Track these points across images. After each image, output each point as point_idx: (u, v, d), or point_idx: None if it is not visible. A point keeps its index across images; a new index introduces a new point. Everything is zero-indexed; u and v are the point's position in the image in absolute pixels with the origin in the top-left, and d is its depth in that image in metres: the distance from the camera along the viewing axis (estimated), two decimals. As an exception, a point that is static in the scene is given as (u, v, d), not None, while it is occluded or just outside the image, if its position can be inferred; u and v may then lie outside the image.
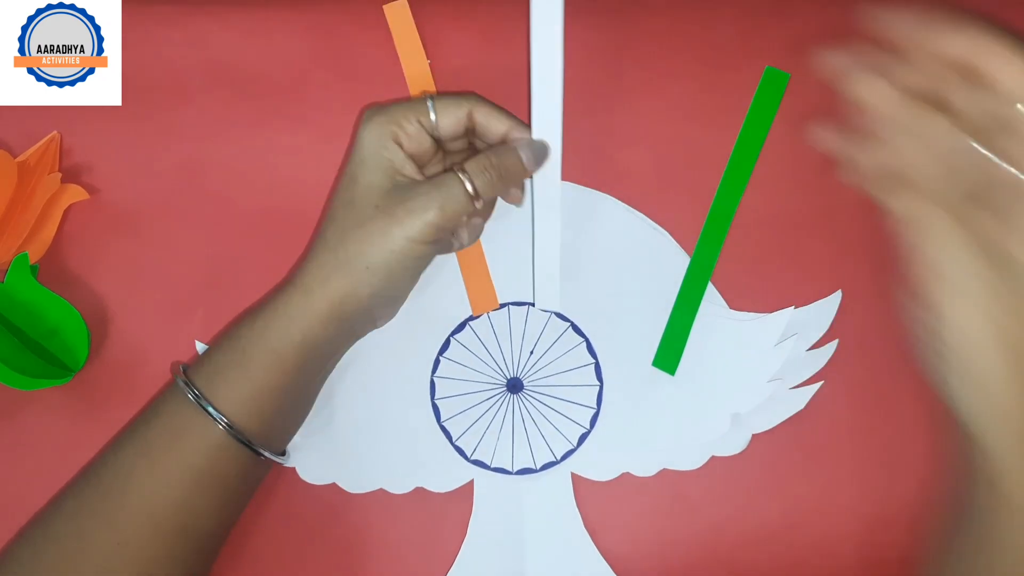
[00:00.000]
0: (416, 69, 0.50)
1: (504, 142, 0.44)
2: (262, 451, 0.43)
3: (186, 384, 0.42)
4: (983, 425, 0.35)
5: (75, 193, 0.49)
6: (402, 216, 0.41)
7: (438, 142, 0.44)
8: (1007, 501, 0.35)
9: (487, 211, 0.47)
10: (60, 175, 0.49)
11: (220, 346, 0.43)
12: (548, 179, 0.45)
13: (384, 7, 0.49)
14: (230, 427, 0.41)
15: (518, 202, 0.46)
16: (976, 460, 0.36)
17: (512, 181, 0.43)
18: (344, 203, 0.42)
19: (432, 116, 0.43)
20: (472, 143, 0.46)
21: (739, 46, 0.50)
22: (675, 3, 0.50)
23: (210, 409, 0.41)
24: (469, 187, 0.41)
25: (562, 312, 0.49)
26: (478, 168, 0.42)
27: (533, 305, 0.49)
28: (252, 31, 0.51)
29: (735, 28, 0.50)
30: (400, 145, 0.42)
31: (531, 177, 0.45)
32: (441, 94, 0.44)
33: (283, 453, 0.46)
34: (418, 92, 0.50)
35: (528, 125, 0.43)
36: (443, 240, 0.44)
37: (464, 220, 0.45)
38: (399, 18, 0.49)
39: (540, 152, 0.43)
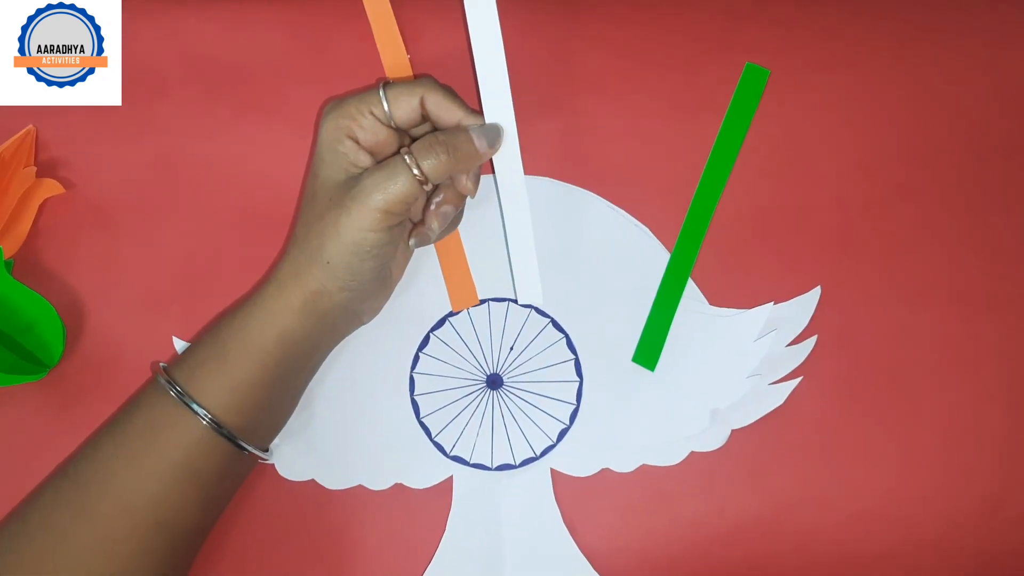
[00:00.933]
0: (395, 61, 0.49)
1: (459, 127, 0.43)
2: (244, 445, 0.42)
3: (167, 380, 0.41)
4: None
5: (50, 187, 0.49)
6: (349, 205, 0.40)
7: (398, 131, 0.44)
8: None
9: (455, 199, 0.45)
10: (35, 169, 0.48)
11: (202, 341, 0.43)
12: (510, 170, 0.45)
13: (364, 0, 0.49)
14: (212, 421, 0.41)
15: (470, 193, 0.45)
16: None
17: (464, 163, 0.42)
18: (307, 199, 0.43)
19: (385, 106, 0.43)
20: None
21: (719, 42, 0.50)
22: (655, 1, 0.50)
23: (190, 403, 0.41)
24: (415, 170, 0.41)
25: (543, 307, 0.49)
26: (425, 149, 0.41)
27: (515, 301, 0.49)
28: (229, 24, 0.50)
29: (715, 24, 0.50)
30: (355, 139, 0.42)
31: (491, 163, 0.45)
32: (394, 82, 0.44)
33: (266, 450, 0.45)
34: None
35: (481, 113, 0.44)
36: (397, 226, 0.42)
37: (417, 203, 0.44)
38: (378, 9, 0.49)
39: (492, 134, 0.43)
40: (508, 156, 0.45)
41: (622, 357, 0.49)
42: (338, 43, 0.50)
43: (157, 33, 0.50)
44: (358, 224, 0.40)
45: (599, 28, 0.50)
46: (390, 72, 0.49)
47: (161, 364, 0.43)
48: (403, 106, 0.43)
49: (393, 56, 0.49)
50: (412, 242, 0.45)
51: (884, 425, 0.48)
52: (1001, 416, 0.48)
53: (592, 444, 0.48)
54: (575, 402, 0.48)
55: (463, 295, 0.49)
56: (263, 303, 0.42)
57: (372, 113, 0.42)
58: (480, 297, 0.49)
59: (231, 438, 0.42)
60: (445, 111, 0.43)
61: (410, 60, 0.49)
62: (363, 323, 0.47)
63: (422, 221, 0.45)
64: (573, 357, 0.49)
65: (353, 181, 0.41)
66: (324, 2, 0.50)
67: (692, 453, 0.48)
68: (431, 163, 0.41)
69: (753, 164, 0.50)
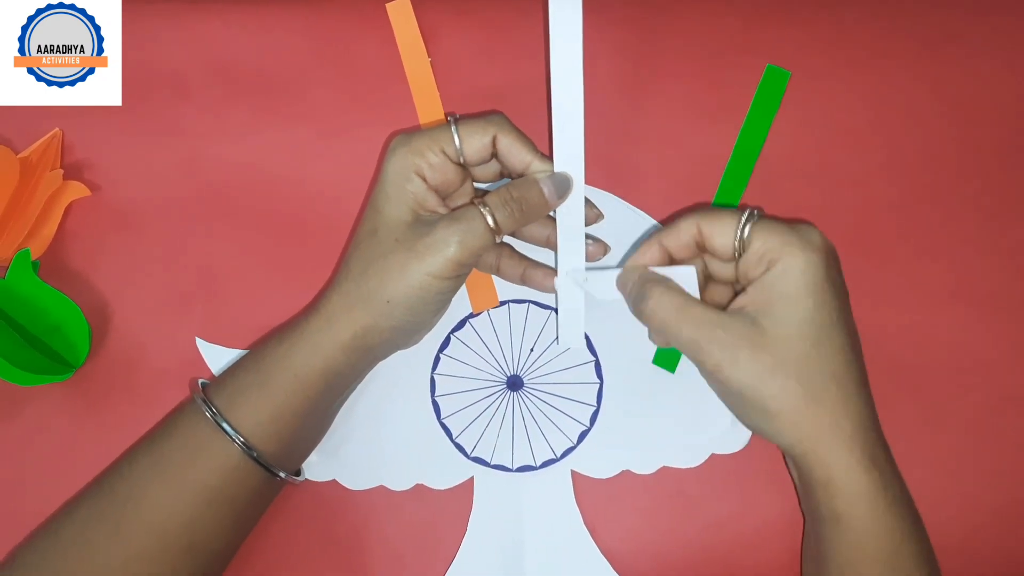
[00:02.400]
0: (417, 68, 0.50)
1: (525, 171, 0.43)
2: (278, 472, 0.42)
3: (204, 402, 0.42)
4: (787, 446, 0.39)
5: (76, 190, 0.50)
6: (422, 251, 0.40)
7: (463, 166, 0.44)
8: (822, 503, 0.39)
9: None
10: (62, 172, 0.49)
11: (243, 366, 0.43)
12: (572, 212, 0.44)
13: (387, 5, 0.49)
14: (248, 448, 0.41)
15: (542, 288, 0.46)
16: (801, 476, 0.40)
17: (534, 215, 0.42)
18: (367, 233, 0.42)
19: (456, 143, 0.42)
20: (499, 164, 0.45)
21: (740, 44, 0.50)
22: (676, 3, 0.51)
23: (228, 429, 0.41)
24: (490, 220, 0.41)
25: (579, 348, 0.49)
26: (499, 201, 0.41)
27: (535, 302, 0.49)
28: (252, 29, 0.51)
29: (736, 26, 0.50)
30: (423, 178, 0.42)
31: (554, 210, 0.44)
32: (465, 118, 0.43)
33: (297, 473, 0.46)
34: (420, 94, 0.50)
35: (550, 156, 0.43)
36: (465, 275, 0.43)
37: (484, 254, 0.45)
38: (401, 16, 0.49)
39: (562, 185, 0.43)
40: (573, 201, 0.44)
41: (642, 359, 0.49)
42: (360, 47, 0.51)
43: (181, 37, 0.51)
44: (428, 270, 0.40)
45: (619, 31, 0.51)
46: (412, 79, 0.50)
47: (200, 382, 0.44)
48: (475, 144, 0.42)
49: (416, 64, 0.50)
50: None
51: (905, 427, 0.48)
52: (1021, 418, 0.48)
53: (612, 446, 0.48)
54: (595, 404, 0.49)
55: (483, 297, 0.49)
56: (310, 336, 0.42)
57: (443, 151, 0.42)
58: (500, 299, 0.49)
59: (267, 466, 0.42)
60: (516, 153, 0.43)
61: (431, 64, 0.50)
62: (402, 349, 0.47)
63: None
64: (593, 359, 0.49)
65: (425, 227, 0.41)
66: (346, 7, 0.51)
67: (713, 455, 0.48)
68: (504, 215, 0.41)
69: (773, 165, 0.50)
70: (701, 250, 0.42)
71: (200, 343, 0.49)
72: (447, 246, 0.40)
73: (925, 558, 0.39)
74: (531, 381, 0.49)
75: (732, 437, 0.48)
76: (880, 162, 0.50)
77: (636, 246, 0.49)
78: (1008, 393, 0.48)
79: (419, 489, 0.48)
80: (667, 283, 0.40)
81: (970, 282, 0.49)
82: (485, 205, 0.41)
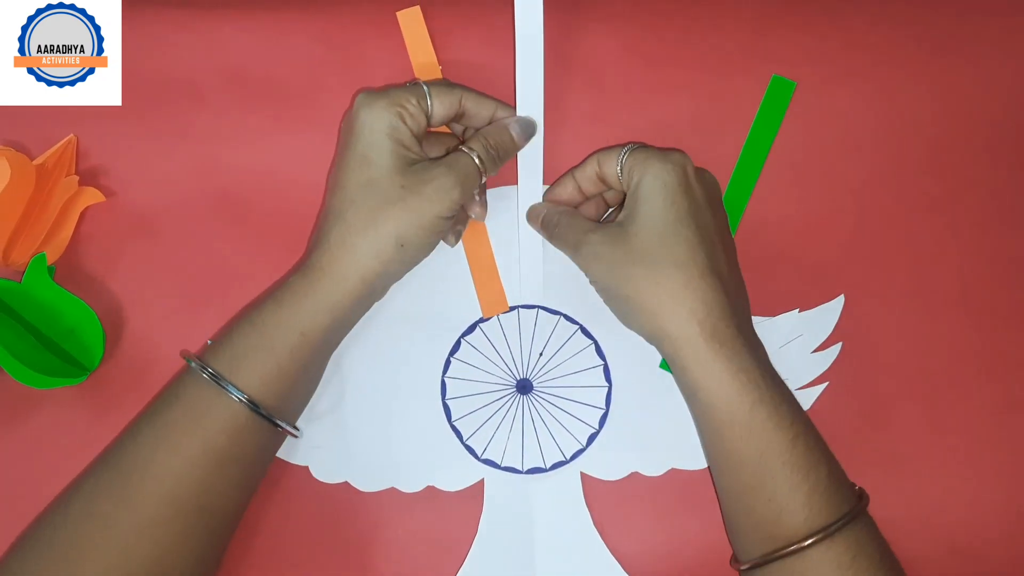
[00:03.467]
0: (428, 74, 0.50)
1: (490, 123, 0.47)
2: (281, 424, 0.44)
3: (204, 367, 0.42)
4: (645, 334, 0.44)
5: (92, 196, 0.50)
6: (431, 194, 0.43)
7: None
8: (695, 396, 0.42)
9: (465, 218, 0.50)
10: (77, 178, 0.50)
11: (241, 331, 0.43)
12: (531, 147, 0.48)
13: (397, 13, 0.50)
14: (254, 406, 0.42)
15: (480, 217, 0.50)
16: (667, 362, 0.44)
17: (508, 155, 0.47)
18: (362, 184, 0.43)
19: (428, 100, 0.45)
20: (450, 129, 0.50)
21: (746, 54, 0.51)
22: (682, 12, 0.51)
23: (233, 391, 0.42)
24: (478, 163, 0.45)
25: (568, 313, 0.50)
26: (481, 146, 0.46)
27: (542, 307, 0.50)
28: (265, 35, 0.52)
29: (742, 36, 0.51)
30: (406, 125, 0.44)
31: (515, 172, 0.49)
32: (430, 81, 0.46)
33: (295, 427, 0.46)
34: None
35: (512, 107, 0.48)
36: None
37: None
38: (412, 24, 0.50)
39: (528, 127, 0.48)
40: (532, 153, 0.49)
41: (650, 363, 0.50)
42: (371, 53, 0.51)
43: (195, 43, 0.51)
44: (437, 212, 0.44)
45: (626, 40, 0.51)
46: (423, 83, 0.50)
47: (195, 355, 0.44)
48: (444, 102, 0.46)
49: (426, 71, 0.50)
50: (452, 240, 0.50)
51: (909, 431, 0.49)
52: (1025, 422, 0.49)
53: (621, 448, 0.49)
54: (604, 407, 0.49)
55: (493, 302, 0.50)
56: (315, 293, 0.43)
57: (418, 103, 0.45)
58: (510, 304, 0.50)
59: (271, 419, 0.43)
60: (483, 106, 0.47)
61: (441, 70, 0.50)
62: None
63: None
64: (602, 363, 0.50)
65: (423, 173, 0.44)
66: (358, 14, 0.52)
67: (719, 457, 0.48)
68: (488, 157, 0.45)
69: (779, 174, 0.51)
70: (601, 181, 0.47)
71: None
72: (452, 188, 0.44)
73: (787, 423, 0.41)
74: (540, 384, 0.50)
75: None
76: (885, 170, 0.51)
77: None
78: (1011, 398, 0.49)
79: (430, 491, 0.49)
80: (571, 212, 0.48)
81: (970, 288, 0.50)
82: (472, 150, 0.45)
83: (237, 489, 0.44)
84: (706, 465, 0.48)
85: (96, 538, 0.41)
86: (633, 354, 0.49)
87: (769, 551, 0.41)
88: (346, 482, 0.49)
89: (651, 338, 0.43)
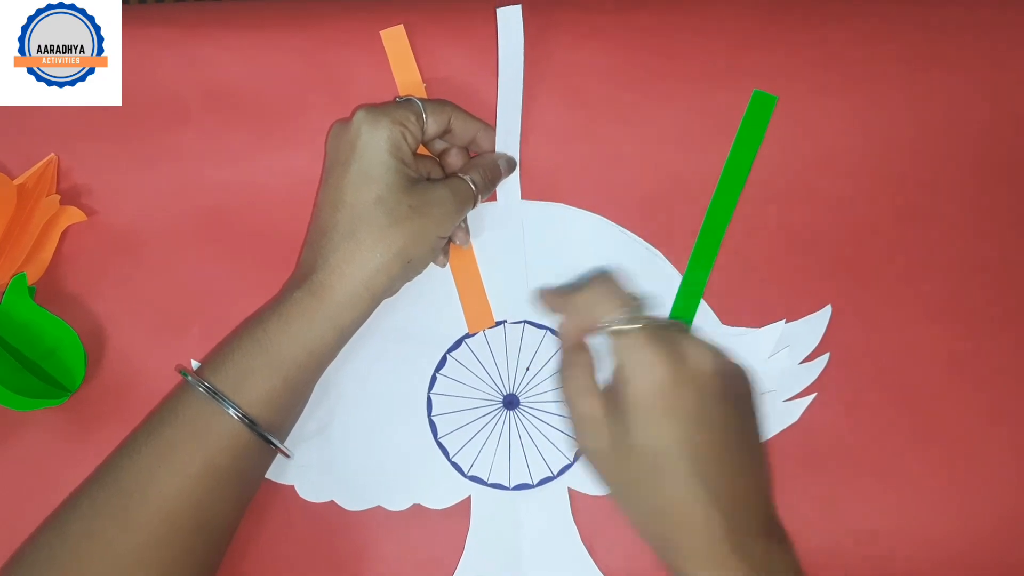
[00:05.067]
0: (412, 92, 0.50)
1: (474, 142, 0.49)
2: (276, 442, 0.43)
3: (208, 388, 0.42)
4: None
5: (73, 215, 0.50)
6: (437, 215, 0.44)
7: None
8: None
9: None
10: (59, 197, 0.49)
11: (243, 349, 0.43)
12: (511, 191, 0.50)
13: (381, 32, 0.50)
14: (254, 425, 0.42)
15: (464, 243, 0.50)
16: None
17: (496, 183, 0.49)
18: (371, 203, 0.43)
19: (424, 118, 0.46)
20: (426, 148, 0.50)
21: (728, 69, 0.51)
22: (664, 27, 0.52)
23: (233, 409, 0.41)
24: (473, 188, 0.46)
25: (554, 327, 0.50)
26: (479, 176, 0.47)
27: (531, 322, 0.50)
28: (249, 53, 0.52)
29: (724, 51, 0.51)
30: (407, 143, 0.45)
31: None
32: (422, 99, 0.47)
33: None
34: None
35: (492, 127, 0.49)
36: None
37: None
38: (396, 42, 0.50)
39: (511, 164, 0.50)
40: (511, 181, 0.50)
41: (637, 377, 0.49)
42: (355, 72, 0.51)
43: (178, 62, 0.51)
44: (438, 230, 0.44)
45: (609, 56, 0.52)
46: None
47: (194, 372, 0.43)
48: (438, 120, 0.46)
49: (411, 90, 0.51)
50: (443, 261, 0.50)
51: (898, 441, 0.49)
52: (1012, 431, 0.49)
53: (609, 463, 0.48)
54: (591, 422, 0.49)
55: (479, 317, 0.50)
56: (326, 312, 0.43)
57: (416, 121, 0.45)
58: (496, 319, 0.50)
59: (268, 439, 0.43)
60: (467, 125, 0.48)
61: (426, 88, 0.51)
62: None
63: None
64: (588, 377, 0.49)
65: (426, 193, 0.44)
66: (342, 32, 0.52)
67: (708, 471, 0.48)
68: (481, 184, 0.47)
69: (762, 187, 0.51)
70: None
71: (196, 366, 0.49)
72: (454, 211, 0.45)
73: None
74: (527, 400, 0.49)
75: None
76: (867, 182, 0.51)
77: (630, 269, 0.50)
78: (998, 408, 0.49)
79: (416, 509, 0.48)
80: (583, 359, 0.43)
81: (954, 298, 0.50)
82: (468, 175, 0.46)
83: (234, 507, 0.44)
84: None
85: (96, 558, 0.40)
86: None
87: None
88: (332, 501, 0.48)
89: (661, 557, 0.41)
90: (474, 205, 0.47)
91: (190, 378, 0.43)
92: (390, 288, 0.45)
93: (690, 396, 0.39)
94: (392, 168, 0.44)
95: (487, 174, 0.47)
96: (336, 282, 0.43)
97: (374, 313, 0.46)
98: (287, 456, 0.45)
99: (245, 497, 0.45)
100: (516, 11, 0.47)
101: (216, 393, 0.42)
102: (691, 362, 0.40)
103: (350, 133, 0.44)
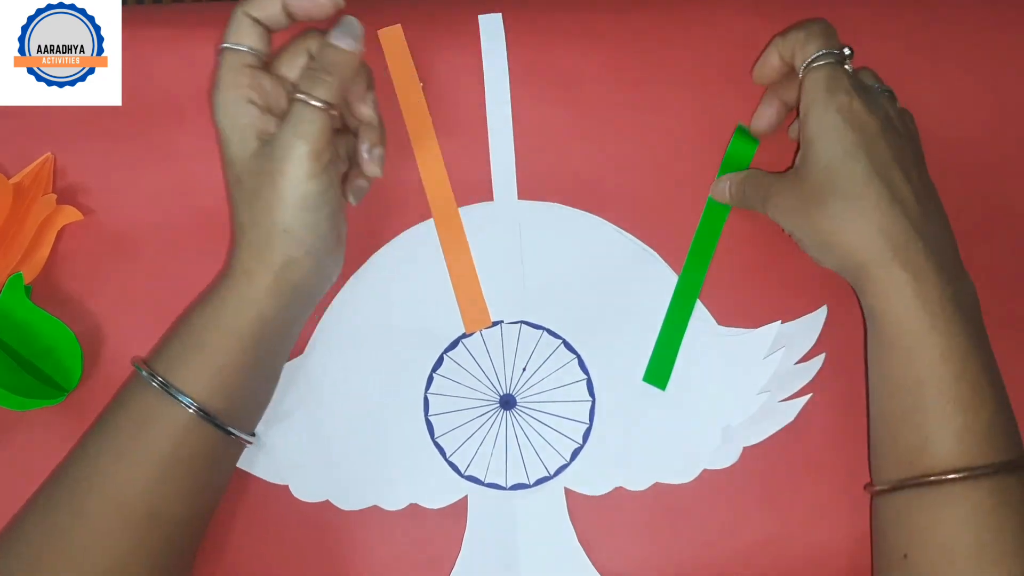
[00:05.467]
0: (410, 93, 0.51)
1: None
2: (230, 429, 0.43)
3: (149, 373, 0.42)
4: (836, 268, 0.46)
5: (69, 214, 0.50)
6: (280, 167, 0.41)
7: (278, 78, 0.43)
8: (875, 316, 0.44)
9: (372, 133, 0.46)
10: (55, 196, 0.49)
11: (176, 334, 0.43)
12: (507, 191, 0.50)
13: (379, 32, 0.50)
14: (197, 408, 0.41)
15: (373, 173, 0.46)
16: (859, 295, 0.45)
17: (345, 70, 0.42)
18: (234, 184, 0.43)
19: (251, 41, 0.42)
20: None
21: (724, 72, 0.52)
22: (660, 29, 0.52)
23: (175, 393, 0.41)
24: (313, 102, 0.41)
25: (551, 327, 0.50)
26: (309, 80, 0.41)
27: (527, 322, 0.50)
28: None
29: (720, 54, 0.52)
30: (254, 103, 0.42)
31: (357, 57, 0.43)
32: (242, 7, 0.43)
33: (252, 435, 0.46)
34: (412, 118, 0.51)
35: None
36: (331, 166, 0.42)
37: (337, 138, 0.45)
38: (393, 43, 0.50)
39: (348, 27, 0.42)
40: (505, 170, 0.50)
41: (633, 377, 0.49)
42: (352, 73, 0.51)
43: (175, 63, 0.51)
44: (295, 179, 0.41)
45: (605, 57, 0.52)
46: (405, 104, 0.51)
47: (142, 359, 0.44)
48: (268, 9, 0.42)
49: (408, 89, 0.51)
50: (352, 198, 0.47)
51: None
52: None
53: (605, 463, 0.49)
54: (588, 422, 0.49)
55: (476, 317, 0.50)
56: (234, 291, 0.43)
57: (248, 67, 0.42)
58: (492, 319, 0.50)
59: (217, 423, 0.42)
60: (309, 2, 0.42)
61: (424, 88, 0.51)
62: (332, 282, 0.47)
63: (355, 172, 0.47)
64: (585, 377, 0.49)
65: (268, 146, 0.41)
66: (338, 33, 0.52)
67: (704, 471, 0.48)
68: (323, 88, 0.41)
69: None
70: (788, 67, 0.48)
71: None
72: (294, 147, 0.40)
73: (956, 357, 0.41)
74: (524, 400, 0.49)
75: (724, 452, 0.48)
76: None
77: (626, 270, 0.50)
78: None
79: (413, 509, 0.48)
80: (751, 173, 0.49)
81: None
82: (298, 91, 0.41)
83: (190, 495, 0.43)
84: (690, 479, 0.48)
85: (51, 552, 0.40)
86: (617, 368, 0.49)
87: (905, 477, 0.42)
88: (327, 500, 0.48)
89: (840, 271, 0.45)
90: (329, 116, 0.41)
91: (136, 365, 0.43)
92: (290, 261, 0.42)
93: (869, 119, 0.44)
94: (237, 141, 0.42)
95: (317, 71, 0.41)
96: (237, 265, 0.43)
97: (370, 313, 0.47)
98: (248, 442, 0.45)
99: (203, 488, 0.44)
100: (497, 19, 0.50)
101: (152, 376, 0.42)
102: (862, 97, 0.44)
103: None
